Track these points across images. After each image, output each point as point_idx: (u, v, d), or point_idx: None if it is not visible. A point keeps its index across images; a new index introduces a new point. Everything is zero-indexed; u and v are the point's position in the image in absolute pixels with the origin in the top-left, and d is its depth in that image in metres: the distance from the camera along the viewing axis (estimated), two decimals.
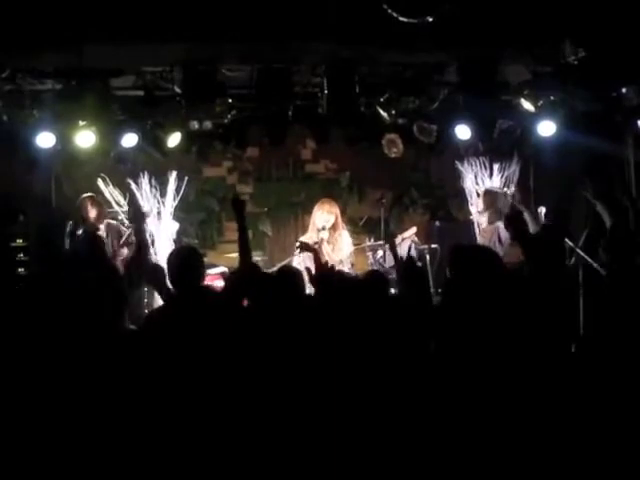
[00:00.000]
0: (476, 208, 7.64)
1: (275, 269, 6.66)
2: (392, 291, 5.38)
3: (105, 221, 7.46)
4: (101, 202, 7.57)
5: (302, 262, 6.89)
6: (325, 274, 4.99)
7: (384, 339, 4.16)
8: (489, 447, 3.71)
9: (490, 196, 7.64)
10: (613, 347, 4.28)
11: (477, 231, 7.93)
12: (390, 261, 7.50)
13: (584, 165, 8.67)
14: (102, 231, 7.34)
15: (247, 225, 4.84)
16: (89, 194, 7.58)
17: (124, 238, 7.16)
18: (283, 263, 7.26)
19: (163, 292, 4.93)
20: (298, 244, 6.84)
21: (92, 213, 7.40)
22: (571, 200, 8.38)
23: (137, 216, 5.22)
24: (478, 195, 8.11)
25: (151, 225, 7.66)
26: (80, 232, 7.35)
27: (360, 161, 9.02)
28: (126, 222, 7.45)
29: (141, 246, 5.19)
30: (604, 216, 6.29)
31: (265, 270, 5.48)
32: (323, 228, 7.20)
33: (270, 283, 4.54)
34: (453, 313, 4.49)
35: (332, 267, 5.27)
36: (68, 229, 7.39)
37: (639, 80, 7.25)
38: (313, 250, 5.74)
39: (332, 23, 6.32)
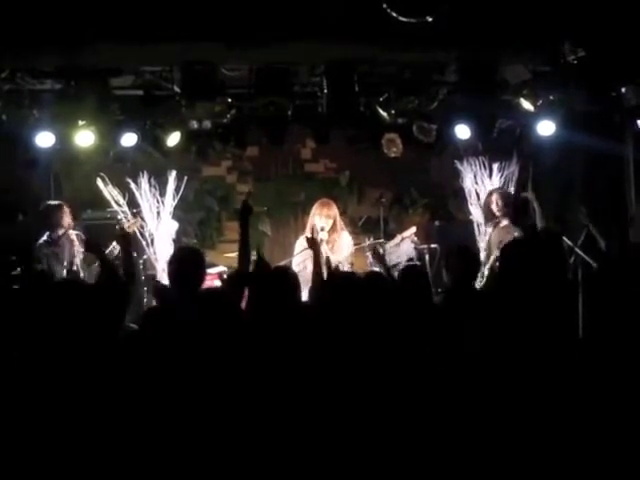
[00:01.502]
0: (497, 212, 7.43)
1: None
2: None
3: (73, 232, 7.34)
4: (71, 212, 7.40)
5: (302, 262, 6.89)
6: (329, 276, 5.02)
7: (383, 339, 4.16)
8: (489, 448, 3.71)
9: (506, 196, 7.51)
10: (614, 347, 4.26)
11: (479, 231, 7.93)
12: (390, 260, 7.50)
13: (584, 165, 8.69)
14: (75, 241, 7.25)
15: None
16: (60, 201, 7.45)
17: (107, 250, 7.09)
18: (283, 263, 7.27)
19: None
20: (305, 244, 6.77)
21: (67, 220, 7.29)
22: (570, 200, 8.38)
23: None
24: (477, 195, 8.10)
25: (150, 225, 7.67)
26: (46, 238, 7.20)
27: (360, 161, 9.03)
28: (124, 222, 7.42)
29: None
30: (598, 240, 6.32)
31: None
32: (322, 229, 7.17)
33: (263, 283, 4.54)
34: (453, 313, 4.50)
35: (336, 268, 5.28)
36: (45, 237, 7.22)
37: (639, 80, 7.24)
38: (315, 250, 5.72)
39: (331, 23, 6.31)
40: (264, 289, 4.37)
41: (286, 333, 4.10)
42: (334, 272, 5.30)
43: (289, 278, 4.47)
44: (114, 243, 6.96)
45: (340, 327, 4.15)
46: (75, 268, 7.14)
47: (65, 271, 7.05)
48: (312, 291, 5.03)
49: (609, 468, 3.73)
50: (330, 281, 4.97)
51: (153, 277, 7.55)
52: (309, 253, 6.75)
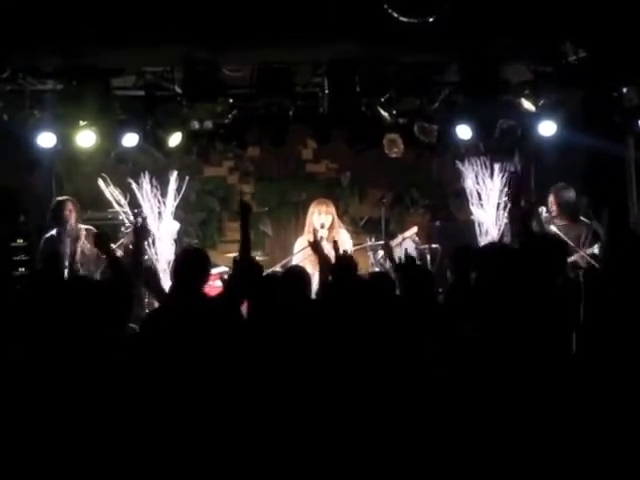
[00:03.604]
0: (550, 214, 7.31)
1: (278, 268, 6.69)
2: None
3: (83, 227, 7.41)
4: (78, 206, 7.51)
5: (301, 262, 6.89)
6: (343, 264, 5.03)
7: (389, 340, 4.16)
8: (488, 447, 3.71)
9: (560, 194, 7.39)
10: (614, 347, 4.27)
11: (480, 231, 7.91)
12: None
13: (585, 165, 8.68)
14: (82, 236, 7.31)
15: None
16: (67, 197, 7.57)
17: (118, 243, 7.14)
18: (283, 262, 7.28)
19: (158, 294, 4.95)
20: (306, 246, 6.78)
21: (72, 215, 7.37)
22: None
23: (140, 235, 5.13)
24: (479, 195, 8.09)
25: (152, 225, 7.66)
26: (54, 232, 7.31)
27: (361, 161, 9.02)
28: (126, 222, 7.44)
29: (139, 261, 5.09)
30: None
31: (266, 270, 5.50)
32: (322, 226, 7.21)
33: (279, 283, 4.55)
34: (455, 313, 4.50)
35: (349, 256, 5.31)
36: (52, 232, 7.33)
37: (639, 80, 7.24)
38: (319, 252, 5.74)
39: (333, 23, 6.31)
40: (277, 287, 4.39)
41: (295, 330, 4.12)
42: (342, 256, 5.31)
43: (300, 276, 4.51)
44: (122, 241, 7.03)
45: (345, 326, 4.16)
46: (77, 265, 7.18)
47: (67, 267, 7.08)
48: (319, 290, 5.05)
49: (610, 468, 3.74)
50: (338, 264, 4.99)
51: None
52: (308, 252, 6.78)
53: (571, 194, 7.29)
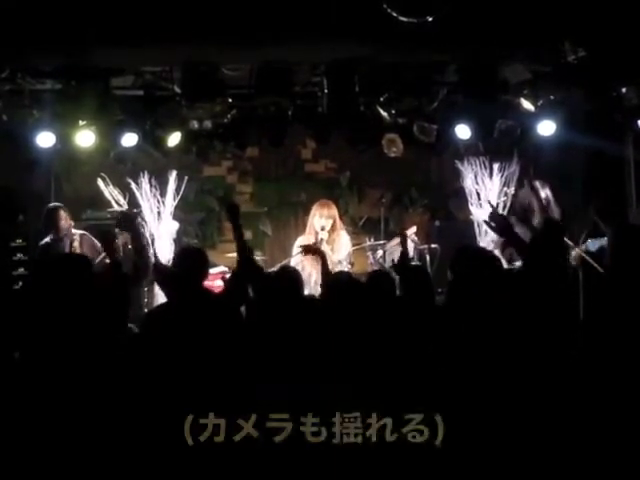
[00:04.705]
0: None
1: (275, 269, 6.69)
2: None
3: (78, 232, 7.45)
4: (69, 214, 7.56)
5: (300, 263, 6.91)
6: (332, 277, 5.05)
7: (388, 340, 4.16)
8: (488, 447, 3.72)
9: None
10: (614, 347, 4.27)
11: (479, 231, 7.92)
12: (390, 262, 7.50)
13: (584, 165, 8.69)
14: (76, 241, 7.35)
15: (247, 225, 4.90)
16: (58, 204, 7.60)
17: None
18: (282, 263, 7.28)
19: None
20: (300, 249, 6.81)
21: (65, 223, 7.40)
22: (571, 200, 8.37)
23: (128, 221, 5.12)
24: (478, 195, 8.09)
25: (151, 225, 7.66)
26: (49, 240, 7.34)
27: (360, 161, 9.04)
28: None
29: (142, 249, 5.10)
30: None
31: (265, 270, 5.50)
32: (322, 229, 7.22)
33: (270, 282, 4.56)
34: (455, 314, 4.50)
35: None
36: (48, 239, 7.37)
37: (639, 80, 7.24)
38: (318, 252, 5.75)
39: (332, 23, 6.31)
40: (269, 287, 4.39)
41: (291, 329, 4.12)
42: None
43: (291, 275, 4.51)
44: (116, 241, 7.03)
45: (343, 325, 4.16)
46: None
47: None
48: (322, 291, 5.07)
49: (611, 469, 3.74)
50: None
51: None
52: (311, 257, 6.79)
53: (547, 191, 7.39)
